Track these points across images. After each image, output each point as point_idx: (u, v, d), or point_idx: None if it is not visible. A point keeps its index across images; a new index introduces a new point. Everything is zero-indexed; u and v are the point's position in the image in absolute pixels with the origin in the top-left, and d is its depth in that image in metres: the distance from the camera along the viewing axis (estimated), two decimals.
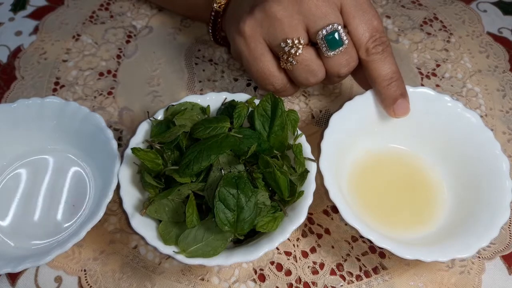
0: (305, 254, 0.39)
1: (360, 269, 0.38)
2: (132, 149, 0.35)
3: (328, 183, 0.36)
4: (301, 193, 0.36)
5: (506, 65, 0.52)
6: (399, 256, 0.33)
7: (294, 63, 0.37)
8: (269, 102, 0.39)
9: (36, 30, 0.54)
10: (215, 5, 0.43)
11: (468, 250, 0.34)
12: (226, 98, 0.42)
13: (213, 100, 0.42)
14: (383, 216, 0.39)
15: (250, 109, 0.41)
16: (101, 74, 0.50)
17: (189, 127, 0.39)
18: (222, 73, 0.50)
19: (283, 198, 0.35)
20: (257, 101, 0.41)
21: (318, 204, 0.41)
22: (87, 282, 0.37)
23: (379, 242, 0.34)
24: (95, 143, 0.39)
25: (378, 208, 0.40)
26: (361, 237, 0.40)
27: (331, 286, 0.37)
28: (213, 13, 0.44)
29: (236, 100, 0.41)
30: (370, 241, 0.40)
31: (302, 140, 0.39)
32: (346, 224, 0.40)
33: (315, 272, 0.38)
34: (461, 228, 0.37)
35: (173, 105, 0.41)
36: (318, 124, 0.47)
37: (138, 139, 0.39)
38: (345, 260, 0.39)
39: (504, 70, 0.52)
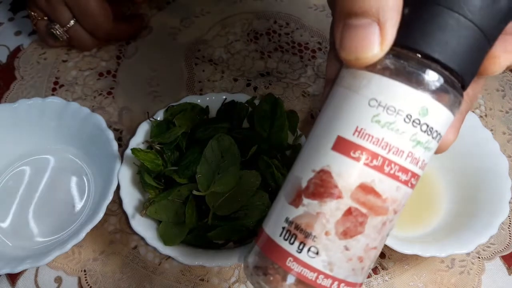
0: None
1: None
2: (132, 149, 0.35)
3: None
4: None
5: None
6: (397, 251, 0.34)
7: None
8: (269, 102, 0.39)
9: (35, 30, 0.53)
10: None
11: (467, 246, 0.34)
12: (226, 99, 0.42)
13: (213, 100, 0.42)
14: None
15: (250, 109, 0.41)
16: (100, 74, 0.50)
17: (189, 127, 0.39)
18: (222, 73, 0.50)
19: None
20: (257, 102, 0.41)
21: None
22: (87, 282, 0.37)
23: None
24: (96, 143, 0.39)
25: None
26: None
27: None
28: None
29: (236, 100, 0.41)
30: None
31: (302, 140, 0.39)
32: None
33: None
34: (460, 226, 0.37)
35: (173, 105, 0.41)
36: None
37: (138, 140, 0.39)
38: None
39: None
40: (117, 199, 0.40)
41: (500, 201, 0.36)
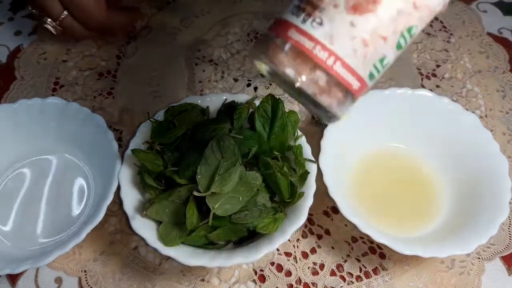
0: (305, 255, 0.39)
1: (360, 270, 0.38)
2: (132, 150, 0.35)
3: (327, 179, 0.36)
4: (301, 194, 0.36)
5: (506, 66, 0.52)
6: (397, 251, 0.34)
7: None
8: (269, 103, 0.39)
9: (35, 30, 0.53)
10: None
11: (467, 247, 0.34)
12: (226, 99, 0.42)
13: (213, 101, 0.42)
14: (383, 215, 0.39)
15: (251, 110, 0.41)
16: (100, 74, 0.50)
17: (189, 128, 0.39)
18: (222, 73, 0.50)
19: (284, 199, 0.36)
20: (257, 102, 0.41)
21: (318, 205, 0.41)
22: (87, 283, 0.37)
23: (377, 237, 0.34)
24: (96, 144, 0.39)
25: (378, 207, 0.40)
26: (361, 237, 0.40)
27: (331, 287, 0.37)
28: None
29: (236, 101, 0.41)
30: (370, 242, 0.40)
31: (303, 141, 0.39)
32: (346, 224, 0.41)
33: (315, 273, 0.38)
34: (460, 227, 0.37)
35: (173, 106, 0.41)
36: (318, 125, 0.47)
37: (138, 140, 0.39)
38: (345, 261, 0.39)
39: (504, 71, 0.52)
40: (118, 200, 0.40)
41: (500, 202, 0.36)
